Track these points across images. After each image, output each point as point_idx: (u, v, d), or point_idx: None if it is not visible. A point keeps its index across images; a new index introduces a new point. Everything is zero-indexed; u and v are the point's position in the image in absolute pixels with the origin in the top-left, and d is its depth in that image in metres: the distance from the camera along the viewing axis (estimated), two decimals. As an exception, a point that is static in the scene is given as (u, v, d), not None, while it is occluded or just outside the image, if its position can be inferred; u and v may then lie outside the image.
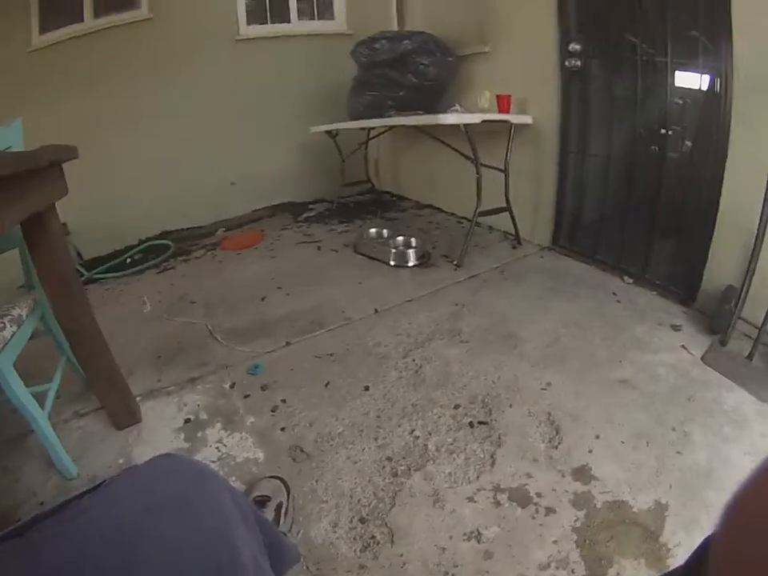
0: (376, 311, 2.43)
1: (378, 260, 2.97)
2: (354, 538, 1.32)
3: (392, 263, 2.94)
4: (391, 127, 3.51)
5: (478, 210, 3.03)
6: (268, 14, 3.97)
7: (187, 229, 4.07)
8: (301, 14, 4.09)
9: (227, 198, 3.99)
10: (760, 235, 2.24)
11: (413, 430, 1.68)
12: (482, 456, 1.61)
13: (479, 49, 3.43)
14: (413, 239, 3.14)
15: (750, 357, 2.31)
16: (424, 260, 3.01)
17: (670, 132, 2.88)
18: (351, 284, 2.71)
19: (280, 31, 3.97)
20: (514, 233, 3.42)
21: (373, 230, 3.22)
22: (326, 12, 4.17)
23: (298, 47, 4.04)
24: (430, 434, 1.67)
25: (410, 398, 1.84)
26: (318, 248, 3.13)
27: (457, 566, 1.25)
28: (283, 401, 1.80)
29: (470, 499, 1.44)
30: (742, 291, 2.33)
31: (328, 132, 3.66)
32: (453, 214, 3.97)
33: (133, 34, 3.68)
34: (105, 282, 3.27)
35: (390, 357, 2.08)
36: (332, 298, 2.56)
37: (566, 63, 2.99)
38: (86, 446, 1.69)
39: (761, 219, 2.22)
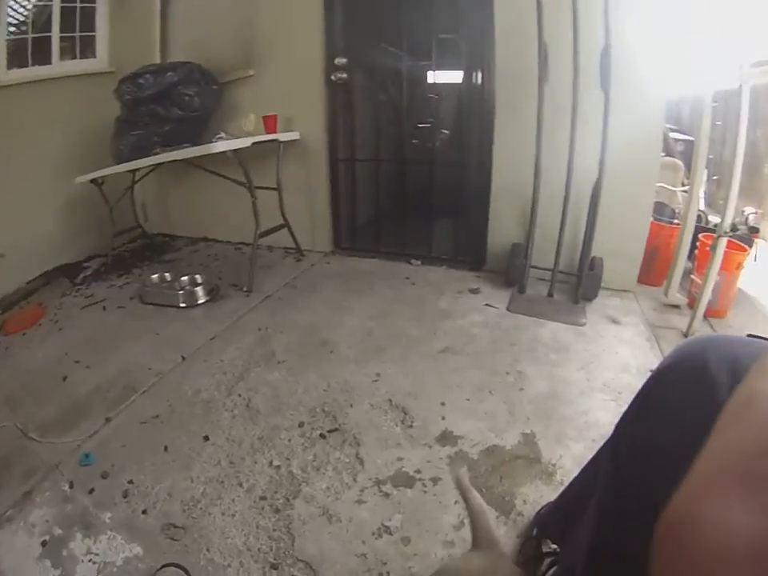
0: (183, 358, 2.26)
1: (168, 305, 2.77)
2: (278, 586, 1.23)
3: (182, 305, 2.77)
4: (157, 165, 3.28)
5: (258, 233, 3.02)
6: (29, 55, 3.36)
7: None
8: (63, 54, 3.54)
9: (-4, 275, 3.32)
10: (536, 198, 2.72)
11: (271, 462, 1.61)
12: (347, 460, 1.60)
13: (244, 73, 3.41)
14: (197, 276, 2.98)
15: (550, 295, 2.71)
16: (213, 294, 2.89)
17: (428, 125, 3.39)
18: (149, 337, 2.48)
19: (42, 74, 3.38)
20: (295, 246, 3.49)
21: (155, 276, 2.98)
22: (87, 50, 3.67)
23: (61, 91, 3.48)
24: (288, 459, 1.62)
25: (253, 433, 1.76)
26: (104, 308, 2.81)
27: (385, 563, 1.24)
28: (130, 482, 1.58)
29: (360, 501, 1.43)
30: (528, 244, 2.74)
31: (94, 181, 3.27)
32: (229, 242, 3.89)
33: None
34: None
35: (215, 399, 1.96)
36: (134, 358, 2.31)
37: (333, 77, 3.16)
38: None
39: (534, 186, 2.71)
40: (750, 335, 0.71)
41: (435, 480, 1.49)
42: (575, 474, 1.06)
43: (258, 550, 1.32)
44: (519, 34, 2.69)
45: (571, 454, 1.59)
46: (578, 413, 1.82)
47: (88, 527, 1.44)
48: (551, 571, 1.05)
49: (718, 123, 3.24)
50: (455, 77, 3.54)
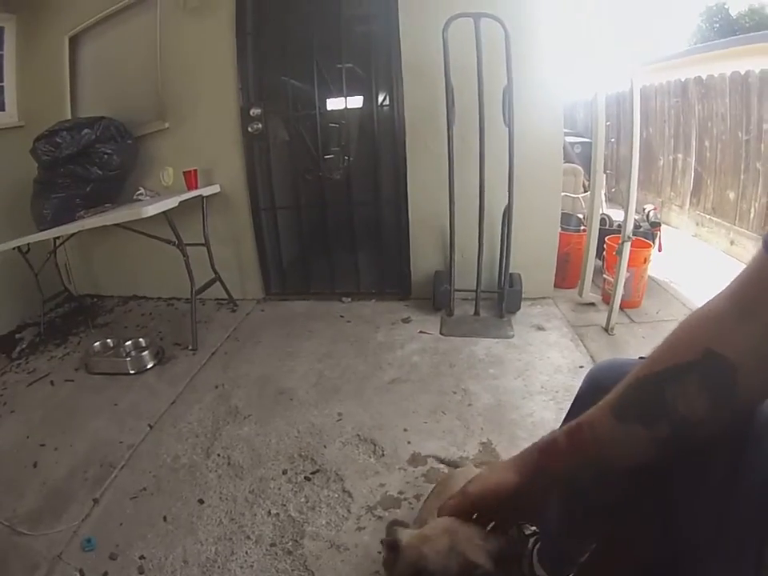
0: (150, 427, 2.42)
1: (118, 374, 2.89)
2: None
3: (132, 372, 2.90)
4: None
5: (194, 290, 3.21)
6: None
7: None
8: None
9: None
10: (452, 228, 3.12)
11: (269, 511, 1.85)
12: (336, 495, 1.90)
13: (158, 126, 3.58)
14: (141, 340, 3.12)
15: (476, 313, 3.15)
16: (160, 356, 3.04)
17: (348, 159, 3.69)
18: (108, 409, 2.59)
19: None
20: (227, 297, 3.72)
21: (97, 344, 3.06)
22: (-5, 102, 3.66)
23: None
24: (284, 505, 1.88)
25: (243, 487, 1.99)
26: (52, 383, 2.87)
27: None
28: (142, 557, 1.71)
29: (359, 528, 1.74)
30: (451, 270, 3.16)
31: (18, 248, 3.25)
32: (160, 298, 4.02)
33: None
34: None
35: (196, 463, 2.15)
36: (101, 432, 2.42)
37: (249, 129, 3.40)
38: None
39: (450, 216, 3.10)
40: (641, 357, 1.08)
41: (418, 497, 1.83)
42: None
43: (284, 592, 1.55)
44: (426, 75, 3.12)
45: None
46: (524, 416, 2.26)
47: (115, 612, 1.53)
48: (537, 546, 1.41)
49: (607, 123, 3.74)
50: (356, 102, 3.85)
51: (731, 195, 4.46)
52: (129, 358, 2.97)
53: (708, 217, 4.85)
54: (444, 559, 0.78)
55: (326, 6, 3.32)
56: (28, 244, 3.33)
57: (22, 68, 3.76)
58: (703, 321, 0.74)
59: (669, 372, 0.71)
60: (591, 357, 2.68)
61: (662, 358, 0.74)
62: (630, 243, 2.85)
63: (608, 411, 0.76)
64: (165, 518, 1.87)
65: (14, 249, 3.28)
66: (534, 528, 1.35)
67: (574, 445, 0.78)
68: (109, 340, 3.19)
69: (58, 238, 3.55)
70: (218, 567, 1.65)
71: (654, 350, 0.76)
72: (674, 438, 0.70)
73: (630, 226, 2.83)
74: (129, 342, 3.12)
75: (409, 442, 2.15)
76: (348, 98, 3.51)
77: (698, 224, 5.05)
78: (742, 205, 4.29)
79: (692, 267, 4.12)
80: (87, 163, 3.30)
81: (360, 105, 3.71)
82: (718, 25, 16.07)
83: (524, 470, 0.82)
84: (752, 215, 4.16)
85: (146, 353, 3.01)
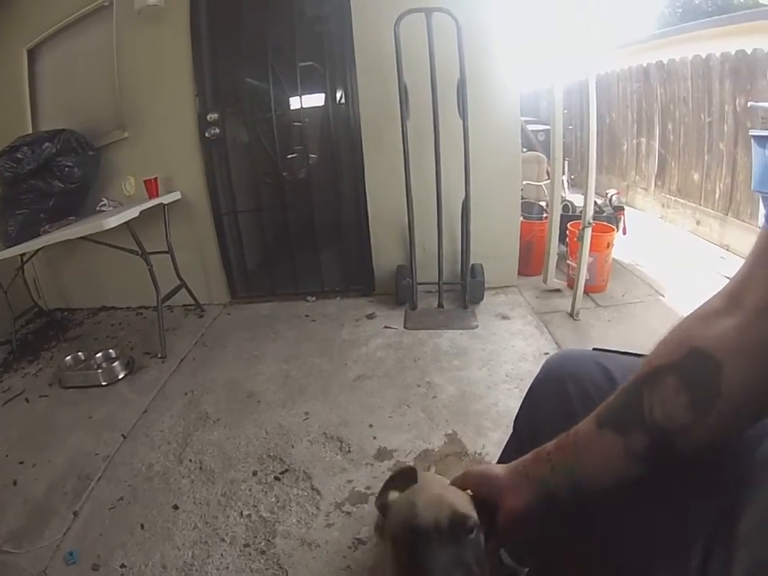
0: (124, 437, 2.47)
1: (90, 386, 2.93)
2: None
3: (104, 383, 2.94)
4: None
5: (160, 299, 3.27)
6: None
7: None
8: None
9: None
10: (411, 222, 3.20)
11: (241, 512, 1.91)
12: (306, 494, 1.97)
13: (118, 136, 3.61)
14: (111, 351, 3.17)
15: (440, 306, 3.25)
16: (131, 366, 3.09)
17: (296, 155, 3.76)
18: (83, 423, 2.63)
19: None
20: (194, 303, 3.78)
21: (69, 358, 3.11)
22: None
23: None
24: (255, 506, 1.94)
25: (215, 491, 2.04)
26: (27, 400, 2.90)
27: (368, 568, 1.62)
28: (122, 566, 1.76)
29: (329, 525, 1.81)
30: (412, 264, 3.23)
31: None
32: (129, 308, 4.06)
33: None
34: None
35: (169, 470, 2.20)
36: (77, 446, 2.46)
37: (207, 134, 3.44)
38: None
39: (408, 211, 3.19)
40: (595, 348, 1.08)
41: (385, 491, 1.91)
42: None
43: (260, 591, 1.62)
44: (380, 72, 3.18)
45: (492, 442, 2.07)
46: (489, 405, 2.34)
47: (101, 623, 1.58)
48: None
49: (565, 111, 3.81)
50: (318, 101, 3.90)
51: (696, 176, 4.59)
52: (100, 370, 3.00)
53: (673, 198, 4.98)
54: (434, 512, 0.77)
55: (279, 7, 3.38)
56: (-6, 262, 3.33)
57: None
58: (693, 318, 0.68)
59: (647, 376, 0.68)
60: (557, 343, 2.79)
61: (649, 362, 0.69)
62: (590, 229, 2.95)
63: (593, 417, 0.74)
64: (142, 526, 1.92)
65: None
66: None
67: (557, 448, 0.78)
68: (80, 353, 3.21)
69: (24, 254, 3.53)
70: (196, 570, 1.70)
71: (649, 354, 0.72)
72: (653, 450, 0.67)
73: (590, 212, 2.92)
74: (99, 354, 3.15)
75: (374, 438, 2.23)
76: (305, 97, 3.57)
77: (663, 206, 5.18)
78: (707, 185, 4.42)
79: (658, 249, 4.25)
80: (49, 177, 3.32)
81: (320, 103, 3.77)
82: (680, 10, 16.26)
83: (527, 488, 0.80)
84: (717, 195, 4.29)
85: (116, 363, 3.05)
